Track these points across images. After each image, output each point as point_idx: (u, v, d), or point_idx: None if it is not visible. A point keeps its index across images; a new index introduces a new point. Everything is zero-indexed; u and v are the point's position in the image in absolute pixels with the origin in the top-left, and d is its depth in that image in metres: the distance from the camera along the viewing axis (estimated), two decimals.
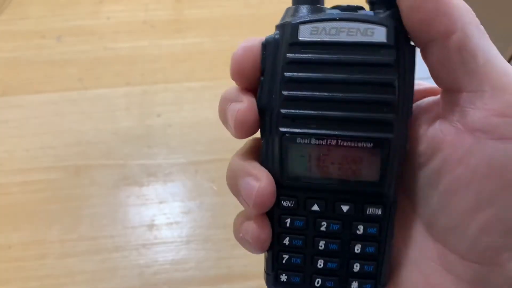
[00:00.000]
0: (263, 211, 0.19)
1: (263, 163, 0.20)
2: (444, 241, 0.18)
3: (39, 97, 0.51)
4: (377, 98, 0.18)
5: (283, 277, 0.20)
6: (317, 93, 0.18)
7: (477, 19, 0.17)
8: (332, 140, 0.18)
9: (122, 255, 0.40)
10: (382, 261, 0.19)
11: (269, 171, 0.19)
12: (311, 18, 0.18)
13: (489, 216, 0.17)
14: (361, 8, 0.19)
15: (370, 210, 0.19)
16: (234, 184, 0.20)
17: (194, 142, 0.47)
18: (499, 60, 0.17)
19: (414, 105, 0.19)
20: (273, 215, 0.20)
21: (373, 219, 0.19)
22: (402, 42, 0.18)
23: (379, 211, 0.19)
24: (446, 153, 0.18)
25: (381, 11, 0.19)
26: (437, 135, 0.18)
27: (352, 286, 0.19)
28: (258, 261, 0.40)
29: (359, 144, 0.18)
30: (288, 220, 0.19)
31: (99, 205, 0.43)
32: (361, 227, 0.19)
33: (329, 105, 0.18)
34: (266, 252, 0.21)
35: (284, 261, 0.20)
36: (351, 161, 0.18)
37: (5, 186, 0.44)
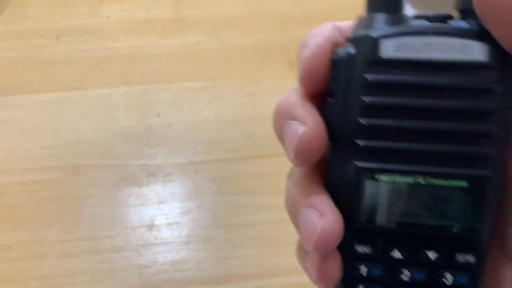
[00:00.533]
0: (325, 253, 0.16)
1: (332, 199, 0.17)
2: None
3: (39, 97, 0.51)
4: (474, 129, 0.15)
5: None
6: (402, 122, 0.15)
7: None
8: (419, 178, 0.15)
9: (122, 255, 0.40)
10: None
11: (340, 209, 0.16)
12: (396, 31, 0.15)
13: None
14: (450, 17, 0.16)
15: (461, 258, 0.16)
16: (293, 214, 0.17)
17: (194, 142, 0.47)
18: None
19: None
20: (344, 259, 0.17)
21: (464, 267, 0.16)
22: (505, 61, 0.15)
23: (471, 259, 0.16)
24: None
25: (474, 21, 0.15)
26: None
27: None
28: (258, 262, 0.40)
29: (451, 183, 0.15)
30: (363, 268, 0.17)
31: (98, 205, 0.43)
32: (450, 277, 0.16)
33: (415, 136, 0.15)
34: None
35: None
36: (441, 202, 0.16)
37: (4, 186, 0.44)
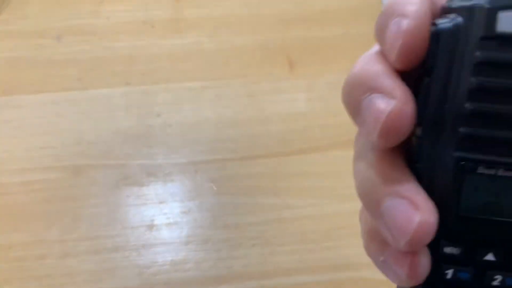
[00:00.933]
0: (419, 249, 0.14)
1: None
2: None
3: (39, 97, 0.51)
4: None
5: None
6: None
7: None
8: None
9: (122, 255, 0.40)
10: None
11: (436, 205, 0.14)
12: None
13: None
14: None
15: None
16: (373, 203, 0.15)
17: (194, 142, 0.47)
18: None
19: None
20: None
21: None
22: None
23: None
24: None
25: None
26: None
27: None
28: (258, 262, 0.40)
29: None
30: (450, 271, 0.15)
31: (99, 205, 0.43)
32: None
33: None
34: None
35: None
36: None
37: (4, 186, 0.44)
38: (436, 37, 0.14)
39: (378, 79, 0.14)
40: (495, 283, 0.15)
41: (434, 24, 0.14)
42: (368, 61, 0.15)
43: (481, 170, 0.14)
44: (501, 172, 0.14)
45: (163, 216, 0.42)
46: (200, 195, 0.44)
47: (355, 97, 0.15)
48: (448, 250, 0.15)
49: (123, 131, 0.48)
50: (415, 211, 0.14)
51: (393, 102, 0.14)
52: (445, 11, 0.14)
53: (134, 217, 0.42)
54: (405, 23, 0.14)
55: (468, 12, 0.14)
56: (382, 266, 0.15)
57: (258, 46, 0.54)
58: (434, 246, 0.15)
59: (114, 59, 0.54)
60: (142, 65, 0.53)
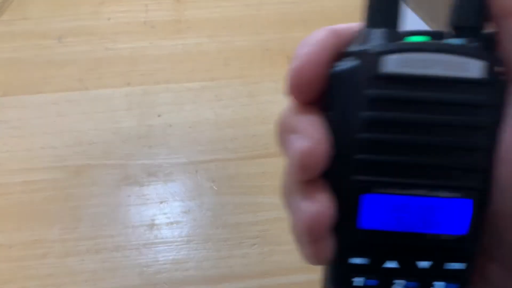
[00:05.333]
0: (316, 238, 0.16)
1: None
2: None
3: (40, 98, 0.51)
4: (469, 144, 0.15)
5: None
6: (398, 136, 0.16)
7: None
8: (415, 190, 0.16)
9: (123, 254, 0.41)
10: None
11: (339, 221, 0.17)
12: (397, 47, 0.16)
13: None
14: (442, 33, 0.17)
15: (450, 265, 0.17)
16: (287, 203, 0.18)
17: (194, 142, 0.47)
18: None
19: None
20: (338, 274, 0.18)
21: (456, 276, 0.17)
22: (500, 77, 0.15)
23: (462, 266, 0.17)
24: (501, 152, 0.15)
25: (470, 38, 0.16)
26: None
27: None
28: (258, 261, 0.40)
29: (448, 194, 0.16)
30: (360, 280, 0.17)
31: (99, 204, 0.43)
32: (441, 284, 0.17)
33: (412, 150, 0.16)
34: None
35: None
36: (436, 213, 0.16)
37: (5, 186, 0.44)
38: (334, 77, 0.16)
39: (295, 121, 0.17)
40: (398, 287, 0.17)
41: (332, 66, 0.16)
42: (290, 105, 0.17)
43: (376, 190, 0.16)
44: (394, 191, 0.16)
45: (164, 215, 0.43)
46: (200, 194, 0.44)
47: (281, 137, 0.17)
48: (355, 261, 0.17)
49: (124, 131, 0.48)
50: (312, 203, 0.16)
51: (305, 142, 0.16)
52: (344, 55, 0.16)
53: (134, 216, 0.43)
54: (293, 64, 0.16)
55: (360, 56, 0.16)
56: (299, 245, 0.18)
57: (258, 46, 0.54)
58: (343, 258, 0.17)
59: (114, 60, 0.54)
60: (143, 66, 0.54)
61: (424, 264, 0.17)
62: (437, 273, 0.17)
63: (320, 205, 0.16)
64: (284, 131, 0.17)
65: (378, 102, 0.16)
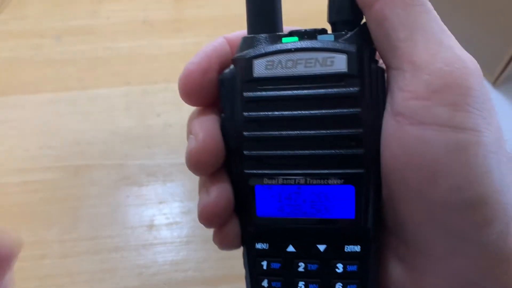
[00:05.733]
0: (211, 227, 0.19)
1: (235, 202, 0.19)
2: (393, 229, 0.18)
3: (38, 97, 0.51)
4: (343, 133, 0.17)
5: None
6: (279, 132, 0.17)
7: None
8: (301, 179, 0.17)
9: (122, 255, 0.40)
10: None
11: (241, 213, 0.19)
12: (265, 51, 0.17)
13: (421, 209, 0.16)
14: (322, 31, 0.18)
15: (348, 248, 0.18)
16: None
17: None
18: (423, 34, 0.15)
19: None
20: (249, 258, 0.19)
21: (352, 256, 0.18)
22: (367, 67, 0.16)
23: (357, 248, 0.18)
24: (382, 137, 0.16)
25: (343, 32, 0.17)
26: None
27: None
28: None
29: (330, 182, 0.17)
30: (265, 263, 0.19)
31: (98, 205, 0.43)
32: (340, 266, 0.18)
33: (293, 143, 0.17)
34: None
35: None
36: (323, 199, 0.17)
37: (4, 186, 0.44)
38: (221, 82, 0.18)
39: (191, 123, 0.19)
40: (300, 269, 0.18)
41: (220, 73, 0.18)
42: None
43: (266, 181, 0.18)
44: (281, 181, 0.17)
45: (163, 216, 0.42)
46: None
47: (187, 136, 0.20)
48: (259, 246, 0.19)
49: (123, 131, 0.48)
50: (207, 196, 0.18)
51: (194, 143, 0.18)
52: (231, 62, 0.18)
53: (134, 217, 0.42)
54: (183, 72, 0.19)
55: (236, 62, 0.18)
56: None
57: None
58: (251, 245, 0.19)
59: (113, 59, 0.54)
60: (142, 65, 0.53)
61: (321, 247, 0.18)
62: (335, 255, 0.18)
63: (213, 197, 0.18)
64: (187, 133, 0.19)
65: (253, 103, 0.17)
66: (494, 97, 0.58)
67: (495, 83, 0.58)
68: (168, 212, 0.43)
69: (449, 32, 0.16)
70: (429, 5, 0.16)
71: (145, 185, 0.44)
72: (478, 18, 0.56)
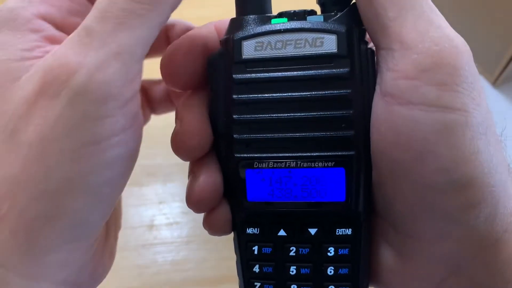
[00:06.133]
0: (200, 211, 0.19)
1: (225, 187, 0.18)
2: (380, 211, 0.18)
3: None
4: (333, 115, 0.16)
5: None
6: (269, 115, 0.17)
7: None
8: (291, 162, 0.17)
9: (122, 255, 0.40)
10: (357, 281, 0.18)
11: (231, 198, 0.18)
12: (254, 32, 0.17)
13: (408, 188, 0.16)
14: (311, 12, 0.17)
15: (339, 231, 0.18)
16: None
17: None
18: (413, 13, 0.15)
19: None
20: (240, 242, 0.19)
21: (343, 240, 0.18)
22: (356, 48, 0.16)
23: (348, 231, 0.18)
24: (371, 118, 0.16)
25: (333, 13, 0.17)
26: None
27: None
28: None
29: (320, 164, 0.17)
30: (256, 248, 0.18)
31: None
32: (332, 249, 0.18)
33: (283, 126, 0.17)
34: (239, 279, 0.20)
35: None
36: (314, 182, 0.17)
37: None
38: (208, 64, 0.18)
39: (178, 108, 0.19)
40: (292, 253, 0.18)
41: (209, 55, 0.18)
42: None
43: (256, 165, 0.17)
44: (272, 165, 0.17)
45: (163, 216, 0.42)
46: None
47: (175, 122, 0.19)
48: (250, 231, 0.18)
49: None
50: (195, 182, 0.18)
51: (177, 127, 0.18)
52: (220, 44, 0.18)
53: (134, 217, 0.42)
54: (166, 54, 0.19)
55: (225, 43, 0.17)
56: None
57: None
58: (242, 231, 0.18)
59: None
60: None
61: (313, 230, 0.18)
62: (327, 239, 0.18)
63: (200, 182, 0.18)
64: (175, 119, 0.19)
65: (243, 85, 0.17)
66: (494, 97, 0.58)
67: (495, 83, 0.58)
68: (168, 212, 0.43)
69: (438, 12, 0.16)
70: None
71: (145, 185, 0.44)
72: (478, 18, 0.56)
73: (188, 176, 0.19)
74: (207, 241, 0.41)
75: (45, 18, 0.17)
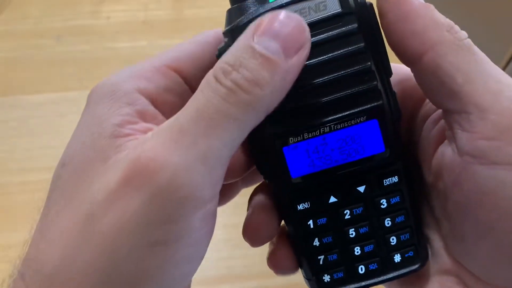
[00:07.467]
0: (256, 245, 0.19)
1: (263, 171, 0.18)
2: (460, 261, 0.18)
3: (39, 97, 0.51)
4: (354, 70, 0.17)
5: (326, 278, 0.19)
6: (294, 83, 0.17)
7: (457, 34, 0.16)
8: (325, 128, 0.17)
9: None
10: (416, 226, 0.19)
11: (274, 178, 0.18)
12: (258, 13, 0.17)
13: (492, 244, 0.16)
14: None
15: (386, 181, 0.18)
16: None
17: None
18: (481, 76, 0.16)
19: (431, 117, 0.18)
20: (292, 221, 0.19)
21: (392, 189, 0.18)
22: (358, 4, 0.17)
23: (395, 179, 0.18)
24: (445, 176, 0.17)
25: None
26: (439, 156, 0.17)
27: (395, 260, 0.19)
28: (258, 261, 0.40)
29: (353, 121, 0.17)
30: (311, 222, 0.18)
31: None
32: (384, 201, 0.18)
33: (308, 94, 0.17)
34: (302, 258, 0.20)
35: (321, 262, 0.19)
36: (350, 142, 0.17)
37: (4, 186, 0.44)
38: (219, 56, 0.17)
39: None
40: (347, 217, 0.18)
41: (218, 49, 0.18)
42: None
43: (290, 138, 0.17)
44: (306, 135, 0.17)
45: None
46: None
47: None
48: (301, 207, 0.18)
49: None
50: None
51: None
52: (224, 36, 0.18)
53: None
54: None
55: (231, 33, 0.17)
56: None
57: None
58: (292, 208, 0.18)
59: (114, 59, 0.54)
60: None
61: (361, 188, 0.18)
62: (377, 192, 0.18)
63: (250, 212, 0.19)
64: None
65: None
66: None
67: None
68: None
69: (501, 70, 0.16)
70: (475, 47, 0.16)
71: None
72: (478, 18, 0.56)
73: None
74: None
75: (142, 93, 0.17)
